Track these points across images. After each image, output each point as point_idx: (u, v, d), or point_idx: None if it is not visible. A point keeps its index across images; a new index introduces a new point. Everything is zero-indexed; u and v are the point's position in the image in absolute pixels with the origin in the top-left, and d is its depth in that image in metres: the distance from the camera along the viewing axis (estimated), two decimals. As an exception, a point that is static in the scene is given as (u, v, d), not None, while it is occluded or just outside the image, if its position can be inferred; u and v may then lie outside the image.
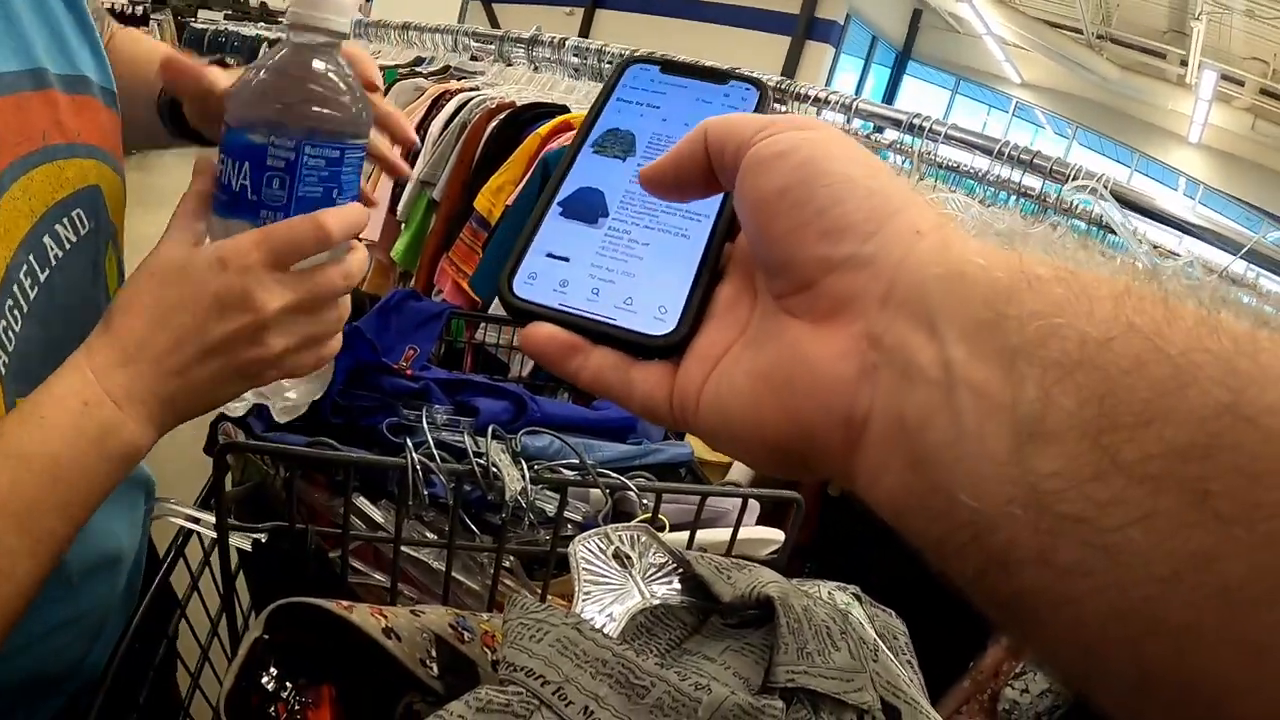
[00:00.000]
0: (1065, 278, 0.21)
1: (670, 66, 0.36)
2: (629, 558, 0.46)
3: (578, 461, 0.61)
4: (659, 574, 0.46)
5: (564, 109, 1.85)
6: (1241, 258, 1.33)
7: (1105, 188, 1.28)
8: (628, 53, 2.00)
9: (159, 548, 0.71)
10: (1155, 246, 1.37)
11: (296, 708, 0.43)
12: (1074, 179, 1.36)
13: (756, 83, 0.35)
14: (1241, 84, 7.70)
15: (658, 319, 0.29)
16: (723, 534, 0.62)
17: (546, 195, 0.32)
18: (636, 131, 0.34)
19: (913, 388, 0.23)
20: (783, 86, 1.68)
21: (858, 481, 0.25)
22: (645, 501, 0.60)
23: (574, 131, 1.70)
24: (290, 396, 0.59)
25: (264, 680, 0.42)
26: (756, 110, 0.34)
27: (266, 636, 0.43)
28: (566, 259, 0.30)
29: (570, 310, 0.29)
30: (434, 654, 0.45)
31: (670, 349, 0.28)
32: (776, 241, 0.26)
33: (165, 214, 0.49)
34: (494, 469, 0.54)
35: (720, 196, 0.31)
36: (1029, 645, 0.22)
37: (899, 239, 0.25)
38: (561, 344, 0.29)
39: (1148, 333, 0.19)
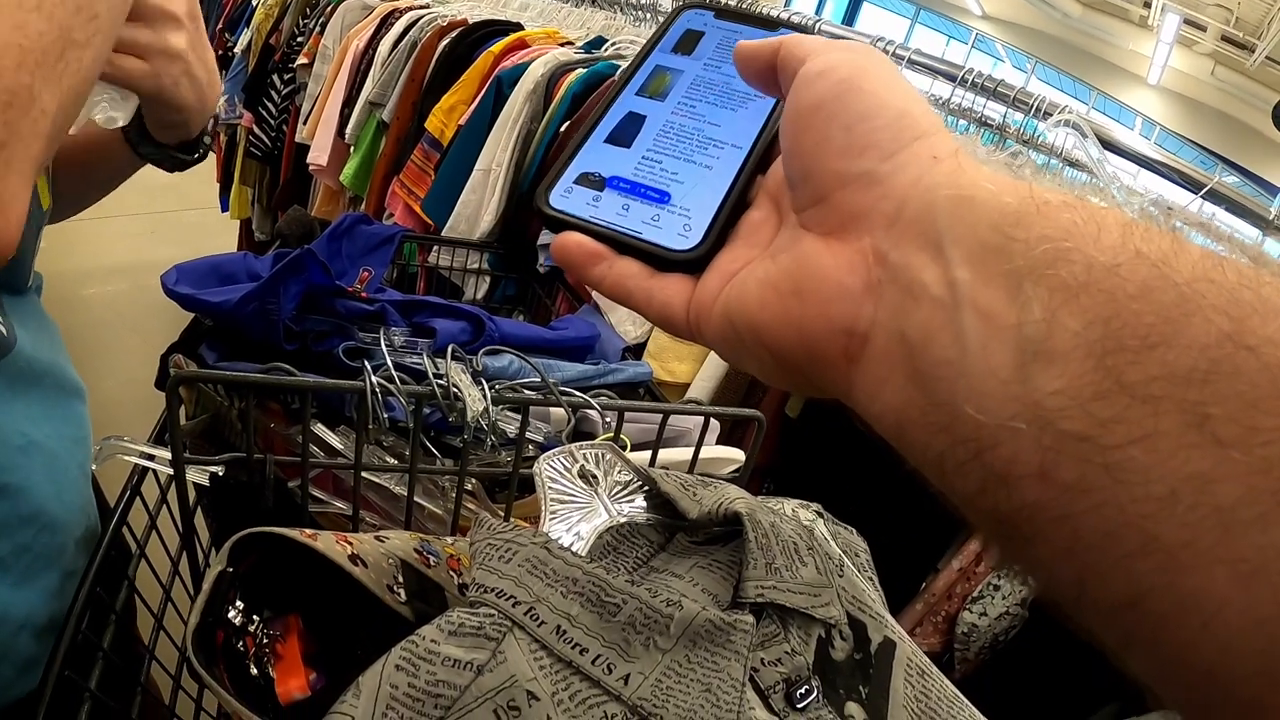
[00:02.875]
0: (1074, 205, 0.22)
1: (724, 12, 0.39)
2: (594, 476, 0.45)
3: (539, 381, 0.60)
4: (625, 492, 0.46)
5: (518, 26, 1.79)
6: (1202, 197, 1.36)
7: (1085, 123, 1.28)
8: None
9: (109, 496, 0.70)
10: (1137, 191, 1.38)
11: (264, 640, 0.42)
12: (1039, 110, 1.36)
13: (806, 31, 0.36)
14: (1204, 29, 7.74)
15: (681, 235, 0.31)
16: (684, 453, 0.62)
17: (591, 120, 0.35)
18: (684, 72, 0.36)
19: (916, 305, 0.23)
20: (742, 7, 1.63)
21: (856, 395, 0.25)
22: (607, 420, 0.59)
23: (528, 50, 1.66)
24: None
25: (230, 614, 0.42)
26: None
27: (230, 569, 0.42)
28: (602, 178, 0.33)
29: (600, 222, 0.31)
30: (401, 579, 0.45)
31: (692, 263, 0.30)
32: (803, 152, 0.27)
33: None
34: (454, 390, 0.53)
35: (754, 135, 0.33)
36: (1025, 563, 0.22)
37: (916, 162, 0.25)
38: (588, 251, 0.31)
39: (1154, 260, 0.20)
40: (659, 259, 0.31)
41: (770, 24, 0.38)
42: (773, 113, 0.34)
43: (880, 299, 0.24)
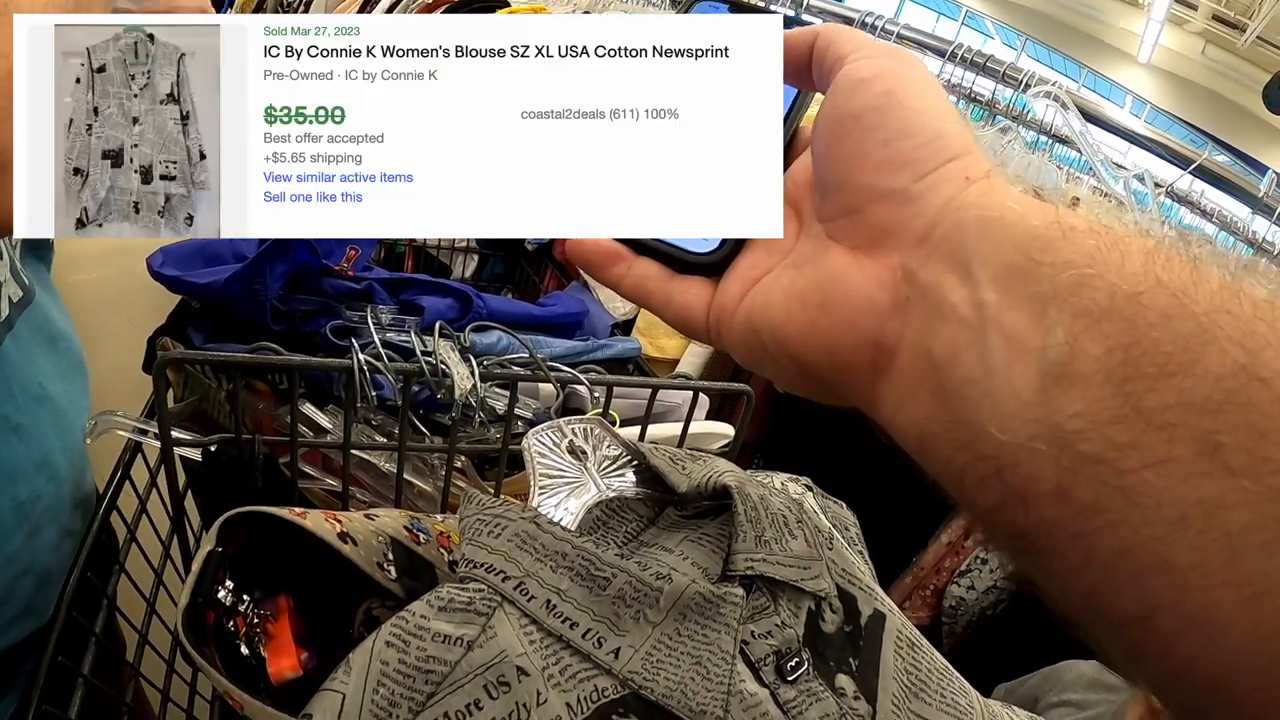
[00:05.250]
0: (1099, 231, 0.22)
1: (739, 6, 0.37)
2: (583, 451, 0.45)
3: (527, 357, 0.60)
4: (614, 467, 0.46)
5: (504, 3, 1.77)
6: (1191, 173, 1.36)
7: (1066, 95, 1.28)
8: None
9: (98, 481, 0.70)
10: (1118, 165, 1.38)
11: (255, 621, 0.42)
12: (1028, 85, 1.35)
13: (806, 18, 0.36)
14: (1195, 8, 7.73)
15: (702, 237, 0.30)
16: (673, 428, 0.62)
17: None
18: None
19: (944, 324, 0.24)
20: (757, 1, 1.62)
21: (881, 408, 0.26)
22: (596, 395, 0.59)
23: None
24: None
25: (220, 594, 0.42)
26: None
27: (220, 549, 0.42)
28: None
29: None
30: (390, 557, 0.45)
31: (711, 266, 0.30)
32: (839, 161, 0.27)
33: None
34: (442, 366, 0.53)
35: None
36: (1040, 577, 0.23)
37: (949, 183, 0.26)
38: (606, 251, 0.31)
39: (1174, 290, 0.20)
40: (678, 261, 0.30)
41: (785, 22, 0.37)
42: (790, 111, 0.33)
43: (908, 316, 0.25)
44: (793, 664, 0.40)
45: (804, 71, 0.30)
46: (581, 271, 1.23)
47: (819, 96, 0.31)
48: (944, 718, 0.44)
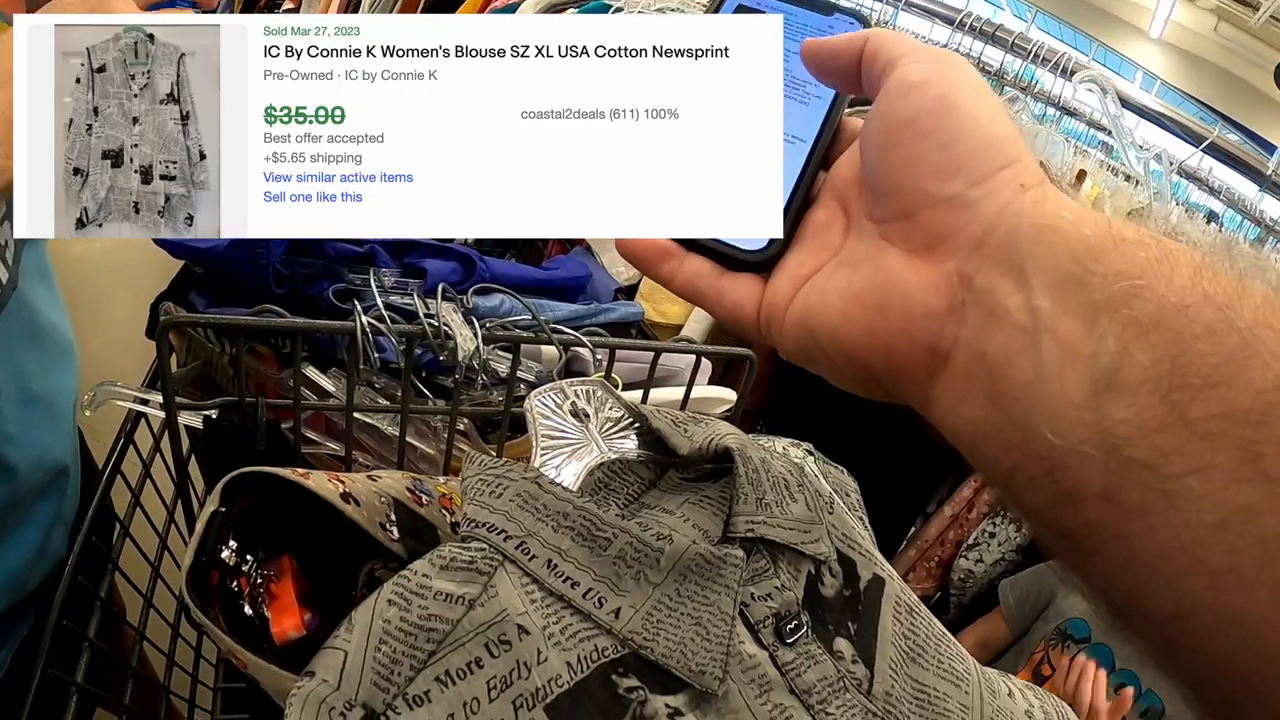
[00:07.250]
0: (1148, 242, 0.23)
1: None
2: (586, 413, 0.45)
3: (530, 319, 0.59)
4: (616, 429, 0.46)
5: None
6: (1202, 151, 1.36)
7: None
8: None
9: (100, 450, 0.71)
10: (1143, 146, 1.37)
11: (259, 581, 0.42)
12: (1036, 55, 1.34)
13: (863, 20, 0.36)
14: (1208, -16, 7.62)
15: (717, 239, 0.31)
16: (676, 393, 0.62)
17: None
18: None
19: (999, 328, 0.24)
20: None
21: (935, 408, 0.27)
22: (599, 358, 0.59)
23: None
24: None
25: (223, 555, 0.42)
26: None
27: (223, 509, 0.42)
28: None
29: None
30: (393, 518, 0.45)
31: (761, 264, 0.31)
32: (891, 166, 0.28)
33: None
34: (445, 329, 0.53)
35: (817, 128, 0.32)
36: (1084, 575, 0.24)
37: (1004, 189, 0.26)
38: (657, 248, 0.31)
39: (1220, 303, 0.21)
40: (728, 258, 0.31)
41: (826, 8, 0.36)
42: (833, 105, 0.33)
43: (963, 320, 0.25)
44: (791, 626, 0.40)
45: (852, 76, 0.30)
46: (585, 236, 1.22)
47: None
48: (941, 683, 0.44)
